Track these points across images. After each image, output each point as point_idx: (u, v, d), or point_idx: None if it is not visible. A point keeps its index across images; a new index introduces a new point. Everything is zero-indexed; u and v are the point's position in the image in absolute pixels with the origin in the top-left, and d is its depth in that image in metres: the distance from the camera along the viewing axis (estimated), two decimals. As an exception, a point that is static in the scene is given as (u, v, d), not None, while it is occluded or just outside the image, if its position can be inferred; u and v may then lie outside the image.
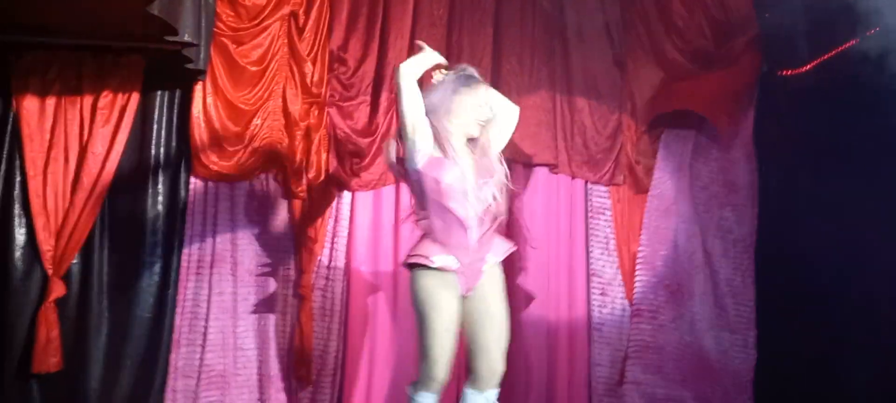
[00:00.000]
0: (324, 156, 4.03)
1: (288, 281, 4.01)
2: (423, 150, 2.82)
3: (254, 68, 3.93)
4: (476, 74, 3.01)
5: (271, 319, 3.98)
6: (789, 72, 4.24)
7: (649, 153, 4.41)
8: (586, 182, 4.37)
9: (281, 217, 4.03)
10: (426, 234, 2.89)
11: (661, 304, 4.32)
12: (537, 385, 4.15)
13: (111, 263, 3.83)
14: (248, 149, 3.92)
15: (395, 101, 3.05)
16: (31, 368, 3.60)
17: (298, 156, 3.98)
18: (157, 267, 3.86)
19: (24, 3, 3.52)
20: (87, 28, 3.72)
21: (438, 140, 2.85)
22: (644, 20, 4.42)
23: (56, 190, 3.74)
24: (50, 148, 3.77)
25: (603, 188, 4.37)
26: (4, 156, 3.77)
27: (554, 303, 4.23)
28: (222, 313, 3.92)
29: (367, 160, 4.04)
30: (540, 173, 4.29)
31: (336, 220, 4.08)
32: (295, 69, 4.00)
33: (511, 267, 4.13)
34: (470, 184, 2.84)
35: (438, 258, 2.82)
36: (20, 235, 3.73)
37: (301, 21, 4.01)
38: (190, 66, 3.68)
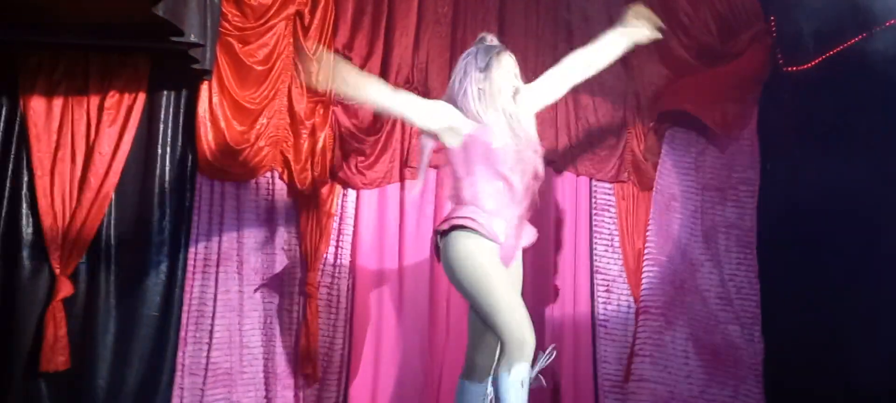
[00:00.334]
0: (329, 154, 4.04)
1: (294, 279, 4.02)
2: (458, 127, 2.74)
3: (260, 67, 3.94)
4: (496, 42, 2.90)
5: (277, 317, 3.99)
6: (795, 68, 4.23)
7: (654, 150, 4.40)
8: (591, 179, 4.37)
9: (286, 215, 4.04)
10: (470, 202, 2.73)
11: (666, 300, 4.32)
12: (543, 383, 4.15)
13: (118, 262, 3.84)
14: (254, 148, 3.93)
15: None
16: (39, 367, 3.62)
17: (304, 155, 3.99)
18: (163, 266, 3.88)
19: (31, 3, 3.53)
20: (94, 28, 3.73)
21: (474, 115, 2.74)
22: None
23: (63, 189, 3.76)
24: (57, 147, 3.78)
25: (607, 185, 4.37)
26: (12, 155, 3.78)
27: (559, 301, 4.23)
28: (228, 311, 3.93)
29: (372, 158, 4.05)
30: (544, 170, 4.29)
31: (341, 218, 4.08)
32: (300, 68, 4.01)
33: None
34: (519, 152, 2.74)
35: (486, 222, 2.67)
36: (28, 234, 3.75)
37: (306, 20, 4.02)
38: (196, 65, 3.70)
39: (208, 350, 3.88)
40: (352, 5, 4.11)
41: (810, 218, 4.09)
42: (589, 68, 3.01)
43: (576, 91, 4.27)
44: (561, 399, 4.19)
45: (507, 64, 2.82)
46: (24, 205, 3.77)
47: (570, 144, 4.29)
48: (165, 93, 3.95)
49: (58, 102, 3.81)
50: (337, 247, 4.07)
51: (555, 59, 4.25)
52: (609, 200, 4.36)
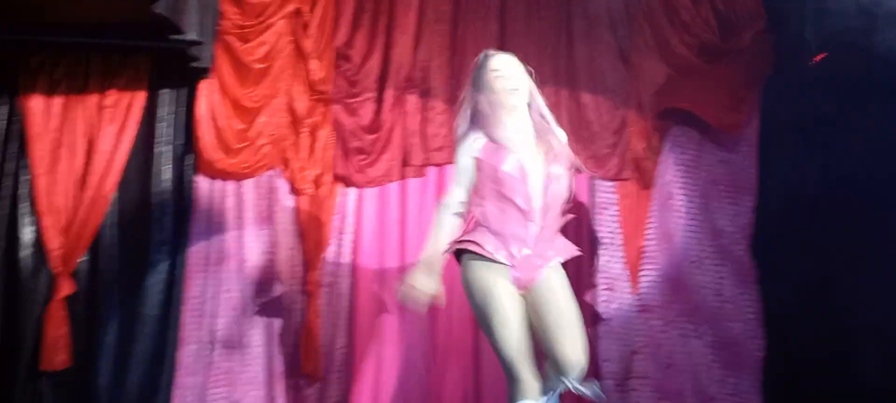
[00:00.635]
0: (329, 153, 4.04)
1: (294, 278, 4.02)
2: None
3: (259, 66, 3.94)
4: (488, 51, 2.88)
5: (278, 316, 3.99)
6: (796, 66, 4.21)
7: (656, 148, 4.39)
8: (592, 177, 4.35)
9: (287, 214, 4.04)
10: (480, 222, 2.72)
11: (668, 298, 4.30)
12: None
13: (118, 261, 3.85)
14: (254, 147, 3.94)
15: None
16: (40, 365, 3.62)
17: (304, 153, 3.99)
18: (164, 265, 3.88)
19: (31, 3, 3.54)
20: (93, 27, 3.73)
21: (491, 133, 2.71)
22: (649, 15, 4.40)
23: (63, 189, 3.77)
24: (57, 147, 3.80)
25: (609, 183, 4.35)
26: (12, 155, 3.79)
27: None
28: (229, 310, 3.93)
29: (372, 156, 4.04)
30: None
31: (342, 217, 4.08)
32: (300, 66, 4.01)
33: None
34: (535, 173, 2.69)
35: (492, 244, 2.66)
36: (28, 234, 3.76)
37: (306, 18, 4.02)
38: (195, 64, 3.70)
39: (209, 350, 3.88)
40: (352, 3, 4.11)
41: (811, 215, 4.08)
42: None
43: (576, 89, 4.29)
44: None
45: (493, 64, 2.79)
46: (25, 205, 3.78)
47: (571, 142, 4.27)
48: (165, 91, 3.97)
49: (58, 101, 3.82)
50: (338, 246, 4.06)
51: (555, 57, 4.30)
52: (610, 198, 4.34)
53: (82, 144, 3.81)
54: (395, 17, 4.13)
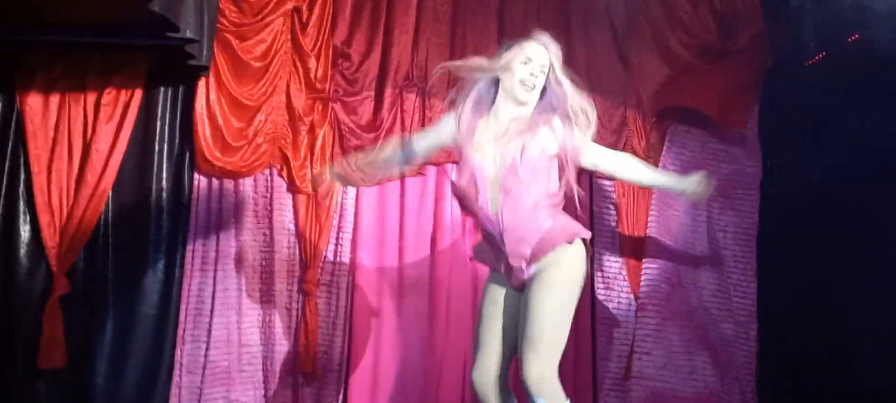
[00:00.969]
0: (328, 151, 4.03)
1: (292, 277, 4.01)
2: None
3: (257, 64, 3.92)
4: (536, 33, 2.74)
5: (276, 315, 3.97)
6: (795, 65, 4.21)
7: (657, 147, 4.39)
8: (591, 175, 4.35)
9: (285, 213, 4.03)
10: None
11: (666, 298, 4.31)
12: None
13: (115, 260, 3.83)
14: (252, 145, 3.92)
15: None
16: (37, 364, 3.60)
17: (303, 152, 3.98)
18: (161, 264, 3.87)
19: (29, 1, 3.52)
20: (91, 26, 3.72)
21: (473, 124, 2.63)
22: (648, 15, 4.40)
23: (60, 187, 3.75)
24: (54, 145, 3.78)
25: (608, 182, 4.35)
26: (9, 153, 3.79)
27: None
28: (227, 309, 3.92)
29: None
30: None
31: (341, 216, 4.07)
32: (298, 64, 4.00)
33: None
34: (491, 177, 2.57)
35: (484, 251, 2.73)
36: (25, 232, 3.75)
37: (304, 16, 4.01)
38: (193, 62, 3.68)
39: (206, 349, 3.87)
40: (351, 1, 4.10)
41: (810, 215, 4.08)
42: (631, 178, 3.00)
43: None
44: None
45: (528, 52, 2.64)
46: (22, 203, 3.77)
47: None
48: (163, 90, 3.95)
49: (55, 100, 3.80)
50: (336, 245, 4.05)
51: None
52: (610, 197, 4.35)
53: (79, 143, 3.80)
54: (394, 16, 4.12)
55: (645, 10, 4.40)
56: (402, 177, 4.11)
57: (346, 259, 4.04)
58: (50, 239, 3.69)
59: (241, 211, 3.98)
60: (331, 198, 4.03)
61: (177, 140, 3.96)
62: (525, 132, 2.57)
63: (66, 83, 3.81)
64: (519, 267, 2.59)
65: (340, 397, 3.96)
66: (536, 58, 2.64)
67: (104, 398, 3.73)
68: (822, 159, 4.00)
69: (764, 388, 4.21)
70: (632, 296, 4.29)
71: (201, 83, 3.85)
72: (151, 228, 3.87)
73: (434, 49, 4.16)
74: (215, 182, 3.96)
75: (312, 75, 3.99)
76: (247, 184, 4.01)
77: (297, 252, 4.01)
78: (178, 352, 3.83)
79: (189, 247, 3.89)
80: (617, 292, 4.30)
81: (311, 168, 3.99)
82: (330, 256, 4.04)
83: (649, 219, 4.34)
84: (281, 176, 4.03)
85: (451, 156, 3.97)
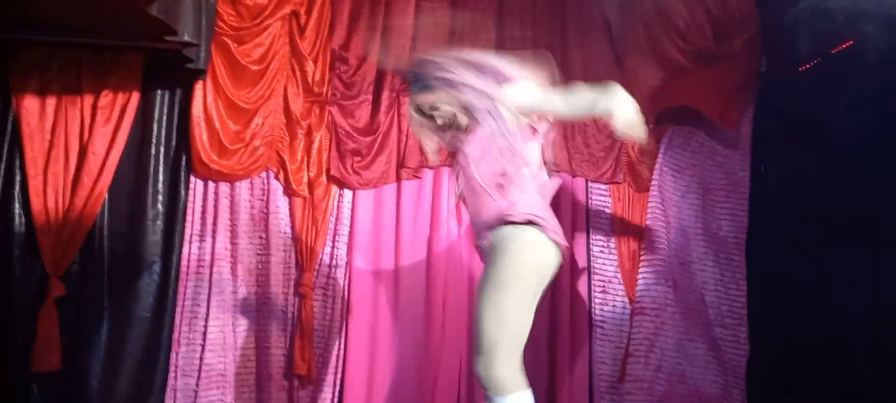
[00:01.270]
0: (325, 154, 4.03)
1: (289, 279, 4.01)
2: None
3: (255, 67, 3.93)
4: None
5: (272, 318, 3.97)
6: (789, 70, 4.24)
7: (651, 152, 4.41)
8: (587, 180, 4.37)
9: (281, 216, 4.03)
10: None
11: (661, 301, 4.33)
12: (539, 384, 4.14)
13: (111, 262, 3.81)
14: (249, 148, 3.92)
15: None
16: (32, 367, 3.59)
17: (299, 155, 3.99)
18: (156, 267, 3.85)
19: (24, 1, 3.51)
20: (88, 26, 3.71)
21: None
22: (644, 20, 4.42)
23: (56, 189, 3.73)
24: (50, 147, 3.76)
25: (603, 186, 4.37)
26: (4, 155, 3.76)
27: (555, 301, 4.23)
28: (222, 312, 3.91)
29: (368, 159, 4.04)
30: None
31: (337, 219, 4.08)
32: (296, 68, 4.01)
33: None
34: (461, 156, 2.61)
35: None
36: (20, 234, 3.72)
37: (302, 20, 4.02)
38: (190, 65, 3.69)
39: (202, 352, 3.86)
40: (348, 5, 4.11)
41: (803, 219, 4.10)
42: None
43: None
44: (556, 399, 4.18)
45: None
46: (17, 205, 3.74)
47: (566, 145, 4.30)
48: (159, 92, 3.94)
49: (51, 101, 3.78)
50: (333, 248, 4.05)
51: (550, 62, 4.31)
52: (605, 201, 4.37)
53: (75, 145, 3.78)
54: (391, 19, 4.12)
55: (641, 15, 4.42)
56: (399, 180, 4.12)
57: (342, 262, 4.05)
58: (45, 242, 3.67)
59: (237, 214, 3.98)
60: (327, 200, 4.03)
61: (173, 143, 3.95)
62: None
63: (62, 85, 3.79)
64: (479, 247, 2.58)
65: (336, 400, 3.96)
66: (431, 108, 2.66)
67: (99, 400, 3.70)
68: (815, 163, 4.02)
69: (755, 391, 4.22)
70: (627, 300, 4.31)
71: (198, 86, 3.84)
72: (147, 231, 3.85)
73: (431, 52, 4.17)
74: (212, 185, 3.96)
75: (310, 79, 4.00)
76: (243, 187, 4.00)
77: (293, 255, 4.01)
78: (173, 355, 3.82)
79: (185, 250, 3.88)
80: (612, 296, 4.32)
81: (308, 171, 4.00)
82: (326, 259, 4.04)
83: (644, 223, 4.37)
84: (277, 179, 4.03)
85: (446, 159, 3.98)
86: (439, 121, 2.67)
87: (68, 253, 3.72)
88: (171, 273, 3.86)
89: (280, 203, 4.03)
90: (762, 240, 4.27)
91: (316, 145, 4.01)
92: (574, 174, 4.33)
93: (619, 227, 4.33)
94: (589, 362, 4.27)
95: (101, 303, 3.78)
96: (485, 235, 2.51)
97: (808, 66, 4.15)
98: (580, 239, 4.35)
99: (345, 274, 4.04)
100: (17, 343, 3.64)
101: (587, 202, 4.37)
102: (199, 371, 3.85)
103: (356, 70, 4.09)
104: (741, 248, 4.32)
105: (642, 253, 4.35)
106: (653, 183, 4.41)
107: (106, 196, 3.80)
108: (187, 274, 3.88)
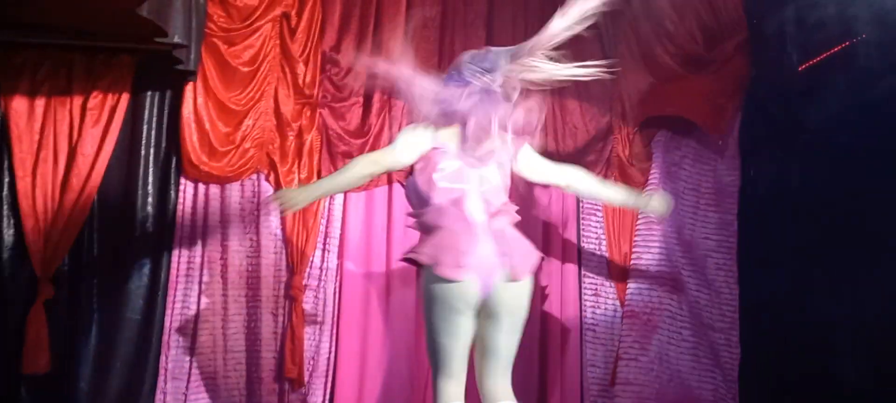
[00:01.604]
0: (316, 157, 4.02)
1: (279, 282, 4.00)
2: None
3: (245, 69, 3.92)
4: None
5: (262, 321, 3.96)
6: (778, 76, 4.26)
7: (642, 155, 4.42)
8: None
9: (272, 218, 4.02)
10: None
11: (652, 305, 4.34)
12: (530, 386, 4.14)
13: (100, 265, 3.80)
14: (240, 150, 3.91)
15: None
16: (21, 370, 3.57)
17: (290, 157, 3.98)
18: (146, 269, 3.84)
19: (13, 1, 3.49)
20: (78, 28, 3.69)
21: None
22: (634, 24, 4.43)
23: (45, 191, 3.71)
24: (39, 148, 3.75)
25: (594, 191, 4.38)
26: (-6, 156, 3.74)
27: (547, 304, 4.24)
28: (212, 315, 3.90)
29: (359, 161, 4.03)
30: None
31: (328, 222, 4.07)
32: (287, 70, 4.00)
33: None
34: None
35: None
36: (9, 236, 3.70)
37: (293, 22, 4.01)
38: (181, 67, 3.68)
39: (192, 355, 3.85)
40: (339, 8, 4.10)
41: (792, 223, 4.12)
42: (580, 190, 3.17)
43: (562, 96, 4.31)
44: (548, 402, 4.19)
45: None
46: (6, 207, 3.73)
47: (557, 148, 4.30)
48: (149, 94, 3.93)
49: (40, 103, 3.77)
50: (324, 250, 4.05)
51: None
52: (596, 204, 4.37)
53: (65, 146, 3.77)
54: (382, 21, 4.13)
55: (631, 19, 4.43)
56: (390, 183, 4.12)
57: (332, 264, 4.04)
58: (34, 244, 3.65)
59: (227, 216, 3.97)
60: (318, 203, 4.03)
61: (163, 144, 3.94)
62: None
63: (51, 86, 3.78)
64: None
65: (326, 403, 3.96)
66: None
67: (88, 403, 3.70)
68: (803, 167, 4.04)
69: (747, 394, 4.24)
70: (618, 303, 4.32)
71: (188, 88, 3.83)
72: (137, 233, 3.84)
73: (422, 56, 4.16)
74: (202, 187, 3.95)
75: (301, 80, 3.99)
76: (234, 189, 3.99)
77: (284, 257, 4.01)
78: (163, 358, 3.81)
79: (175, 252, 3.87)
80: (603, 299, 4.33)
81: (299, 173, 3.99)
82: (317, 262, 4.03)
83: (635, 226, 4.38)
84: (268, 181, 4.02)
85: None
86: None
87: (57, 255, 3.70)
88: (160, 275, 3.85)
89: (270, 205, 4.01)
90: (752, 244, 4.29)
91: (307, 147, 4.00)
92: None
93: (610, 230, 4.33)
94: (580, 365, 4.27)
95: (90, 306, 3.77)
96: None
97: (796, 71, 4.17)
98: (571, 241, 4.35)
99: (335, 277, 4.04)
100: (6, 345, 3.63)
101: (578, 205, 4.38)
102: (189, 374, 3.84)
103: (347, 72, 4.08)
104: (732, 252, 4.34)
105: (633, 256, 4.36)
106: (643, 186, 4.42)
107: (95, 198, 3.78)
108: (177, 276, 3.87)
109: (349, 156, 4.02)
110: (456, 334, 2.62)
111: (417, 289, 2.80)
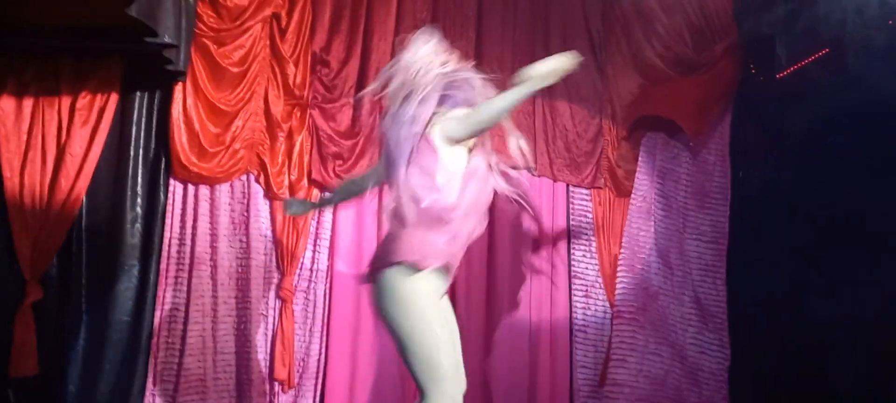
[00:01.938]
0: (306, 157, 4.02)
1: (269, 284, 3.98)
2: None
3: (235, 69, 3.91)
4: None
5: (252, 322, 3.94)
6: (767, 78, 4.28)
7: (630, 157, 4.44)
8: (568, 185, 4.39)
9: (262, 219, 4.01)
10: None
11: (641, 306, 4.36)
12: (519, 388, 4.15)
13: (89, 266, 3.77)
14: (229, 151, 3.90)
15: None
16: (8, 372, 3.54)
17: (280, 158, 3.97)
18: (135, 271, 3.82)
19: (1, 3, 3.46)
20: (66, 29, 3.67)
21: None
22: (625, 26, 4.45)
23: (33, 192, 3.69)
24: (27, 149, 3.72)
25: (585, 191, 4.39)
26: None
27: (536, 305, 4.24)
28: (202, 316, 3.88)
29: (350, 162, 4.03)
30: (522, 176, 4.30)
31: (318, 223, 4.06)
32: (277, 70, 3.99)
33: (492, 267, 4.15)
34: None
35: None
36: (-4, 238, 3.68)
37: (283, 22, 4.00)
38: (170, 67, 3.66)
39: (181, 356, 3.83)
40: (329, 8, 4.10)
41: (781, 225, 4.14)
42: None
43: (552, 97, 4.32)
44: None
45: None
46: (-6, 208, 3.70)
47: (548, 150, 4.31)
48: (138, 94, 3.91)
49: (28, 103, 3.74)
50: (314, 252, 4.04)
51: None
52: (586, 206, 4.39)
53: (53, 147, 3.74)
54: (373, 22, 4.13)
55: (622, 20, 4.45)
56: (381, 185, 4.11)
57: (323, 266, 4.03)
58: (22, 245, 3.63)
59: (217, 217, 3.95)
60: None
61: (152, 145, 3.91)
62: None
63: (40, 86, 3.75)
64: None
65: (317, 405, 3.95)
66: None
67: (77, 406, 3.68)
68: (792, 169, 4.07)
69: (737, 395, 4.26)
70: (608, 304, 4.33)
71: (178, 88, 3.82)
72: (126, 234, 3.82)
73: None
74: (191, 188, 3.93)
75: (291, 81, 3.98)
76: (223, 190, 3.98)
77: (274, 259, 3.99)
78: (152, 360, 3.79)
79: (164, 254, 3.85)
80: (594, 300, 4.34)
81: (289, 174, 3.98)
82: (307, 263, 4.02)
83: (624, 228, 4.39)
84: (258, 182, 4.00)
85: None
86: None
87: (46, 256, 3.68)
88: (149, 277, 3.83)
89: (261, 206, 4.00)
90: (747, 245, 4.31)
91: (297, 148, 3.99)
92: (555, 179, 4.35)
93: (599, 232, 4.34)
94: (570, 366, 4.28)
95: (79, 307, 3.75)
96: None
97: (784, 73, 4.20)
98: (561, 243, 4.36)
99: (326, 279, 4.03)
100: (-7, 348, 3.60)
101: (568, 207, 4.38)
102: (178, 376, 3.81)
103: (337, 73, 4.07)
104: (722, 254, 4.36)
105: (623, 257, 4.37)
106: (634, 188, 4.44)
107: (84, 198, 3.76)
108: (166, 277, 3.85)
109: (339, 157, 4.02)
110: (445, 321, 2.55)
111: (380, 305, 2.54)
